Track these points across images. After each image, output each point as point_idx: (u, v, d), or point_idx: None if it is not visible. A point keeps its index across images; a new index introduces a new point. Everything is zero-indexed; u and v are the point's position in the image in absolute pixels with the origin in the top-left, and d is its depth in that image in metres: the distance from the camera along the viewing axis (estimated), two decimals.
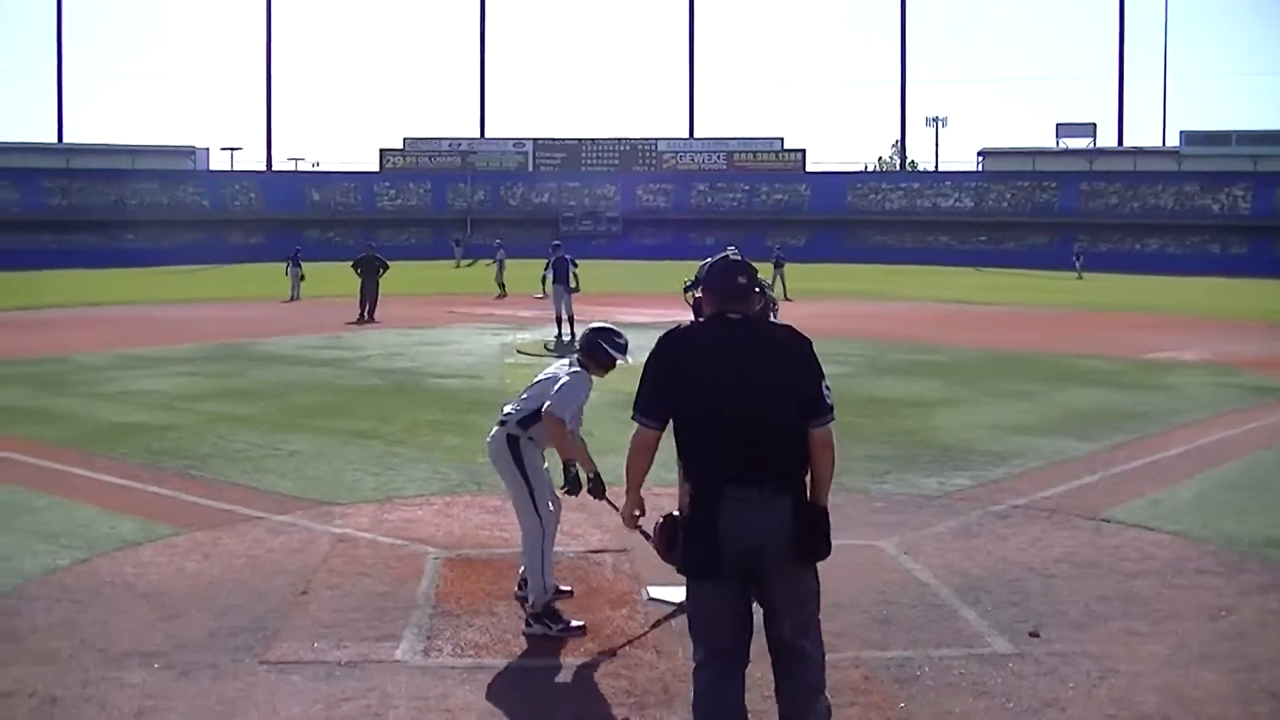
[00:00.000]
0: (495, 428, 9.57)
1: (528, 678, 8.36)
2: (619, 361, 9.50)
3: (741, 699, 6.51)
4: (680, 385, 6.41)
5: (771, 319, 8.43)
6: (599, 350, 9.51)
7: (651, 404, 6.47)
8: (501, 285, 55.42)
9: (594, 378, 9.54)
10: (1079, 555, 11.43)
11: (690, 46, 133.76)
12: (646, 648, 8.73)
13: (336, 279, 49.44)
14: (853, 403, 20.30)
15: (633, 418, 6.50)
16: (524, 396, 9.53)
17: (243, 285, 59.27)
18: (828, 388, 6.47)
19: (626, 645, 8.92)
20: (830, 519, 6.53)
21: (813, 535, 6.37)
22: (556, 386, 9.21)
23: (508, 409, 9.59)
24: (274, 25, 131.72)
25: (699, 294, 6.94)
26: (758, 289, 6.77)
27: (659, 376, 6.47)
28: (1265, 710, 7.81)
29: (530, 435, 9.41)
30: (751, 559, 6.24)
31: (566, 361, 9.66)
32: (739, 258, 6.80)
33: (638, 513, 6.96)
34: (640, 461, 6.60)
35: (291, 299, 49.76)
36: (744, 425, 6.26)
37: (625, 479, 6.75)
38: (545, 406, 9.11)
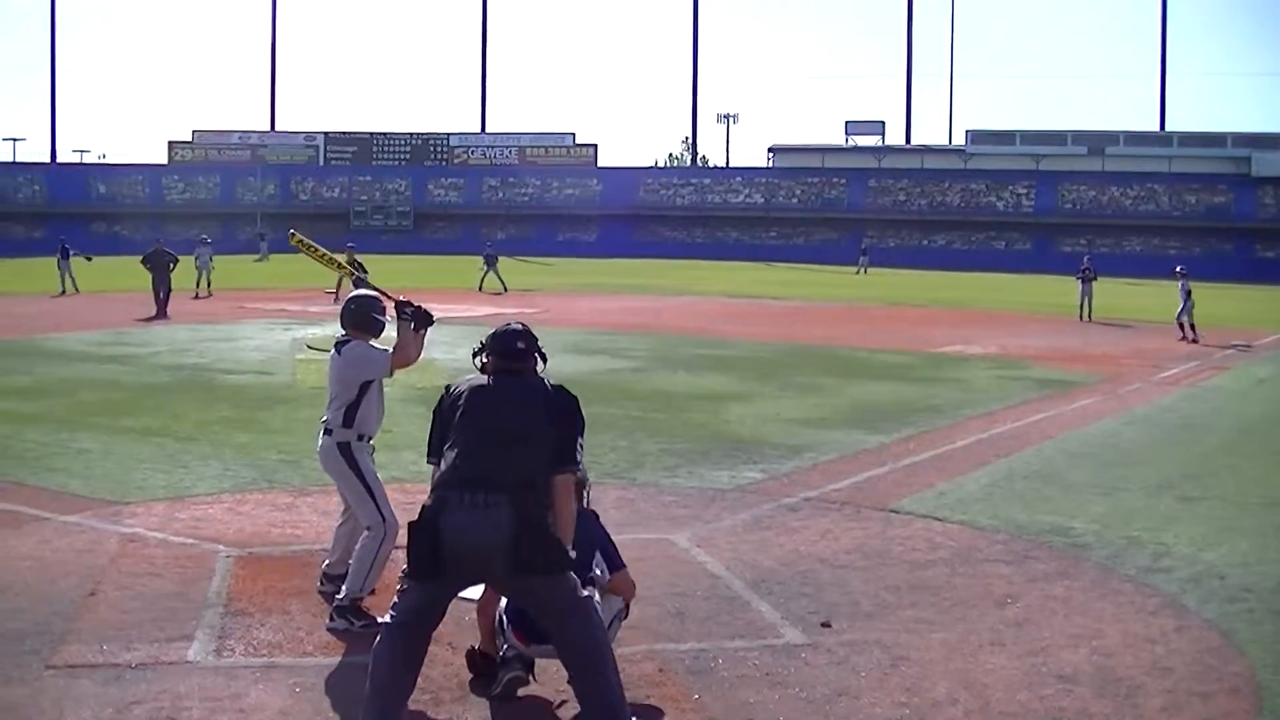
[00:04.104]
0: (323, 437, 9.44)
1: (322, 676, 8.21)
2: (384, 321, 9.68)
3: (411, 667, 7.19)
4: (456, 420, 7.36)
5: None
6: (369, 321, 9.61)
7: (441, 446, 7.41)
8: (203, 285, 49.55)
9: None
10: (869, 546, 11.59)
11: (483, 40, 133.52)
12: (441, 644, 8.62)
13: (123, 273, 48.26)
14: (643, 397, 20.44)
15: (429, 461, 7.52)
16: (332, 397, 9.41)
17: (23, 280, 57.20)
18: (582, 445, 7.52)
19: None
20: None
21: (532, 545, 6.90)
22: (361, 368, 9.31)
23: (327, 417, 9.44)
24: (58, 13, 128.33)
25: (486, 358, 7.68)
26: (536, 352, 7.67)
27: (442, 422, 7.48)
28: (1051, 693, 7.97)
29: (359, 434, 9.36)
30: (477, 567, 7.05)
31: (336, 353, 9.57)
32: (520, 326, 7.79)
33: None
34: None
35: (61, 293, 48.01)
36: (490, 450, 7.12)
37: None
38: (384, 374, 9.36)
